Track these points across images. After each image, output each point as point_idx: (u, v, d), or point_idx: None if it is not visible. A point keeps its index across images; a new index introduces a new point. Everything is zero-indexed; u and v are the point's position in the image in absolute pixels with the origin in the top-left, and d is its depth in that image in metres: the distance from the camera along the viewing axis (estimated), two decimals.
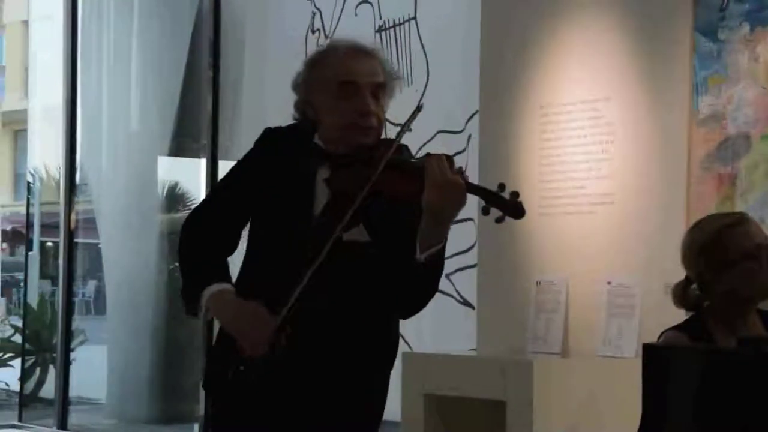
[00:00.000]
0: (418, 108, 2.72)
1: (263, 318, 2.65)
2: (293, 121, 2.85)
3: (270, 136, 2.83)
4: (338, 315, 2.70)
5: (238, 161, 2.86)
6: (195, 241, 2.79)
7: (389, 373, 2.86)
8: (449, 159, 2.63)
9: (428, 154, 2.66)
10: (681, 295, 3.08)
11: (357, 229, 2.67)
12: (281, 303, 2.64)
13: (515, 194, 2.62)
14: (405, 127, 2.71)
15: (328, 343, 2.71)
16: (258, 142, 2.84)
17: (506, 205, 2.62)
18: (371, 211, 2.67)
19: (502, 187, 2.63)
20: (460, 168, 2.64)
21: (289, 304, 2.63)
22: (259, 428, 2.74)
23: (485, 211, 2.64)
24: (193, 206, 8.23)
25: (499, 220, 2.65)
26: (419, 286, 2.68)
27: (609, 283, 4.31)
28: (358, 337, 2.73)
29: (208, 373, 2.88)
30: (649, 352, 2.58)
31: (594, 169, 4.42)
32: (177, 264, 2.82)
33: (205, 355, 2.93)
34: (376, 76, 2.75)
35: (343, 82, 2.73)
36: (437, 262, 2.64)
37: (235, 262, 2.83)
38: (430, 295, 2.73)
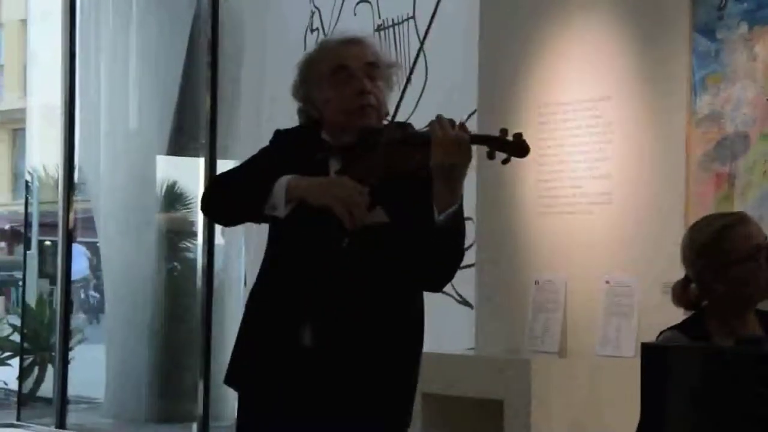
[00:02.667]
0: (408, 80, 2.77)
1: (356, 185, 2.64)
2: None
3: (281, 136, 2.86)
4: (369, 297, 2.70)
5: (260, 150, 2.84)
6: (236, 182, 2.75)
7: (419, 353, 2.84)
8: (451, 120, 2.65)
9: (432, 121, 2.68)
10: (680, 294, 3.08)
11: (376, 211, 2.69)
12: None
13: (518, 134, 2.63)
14: (400, 103, 2.75)
15: (359, 326, 2.70)
16: (271, 142, 2.86)
17: (509, 145, 2.63)
18: (389, 191, 2.68)
19: (504, 132, 2.62)
20: (462, 123, 2.66)
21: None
22: (288, 417, 2.73)
23: (490, 156, 2.64)
24: (191, 205, 8.24)
25: (505, 162, 2.66)
26: (443, 250, 2.68)
27: (607, 282, 4.31)
28: (389, 319, 2.73)
29: (233, 367, 2.84)
30: (647, 351, 2.58)
31: (592, 169, 4.42)
32: (217, 211, 2.76)
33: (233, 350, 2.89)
34: (366, 57, 2.79)
35: (335, 69, 2.78)
36: (457, 223, 2.66)
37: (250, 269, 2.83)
38: (458, 260, 2.73)
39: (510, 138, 2.64)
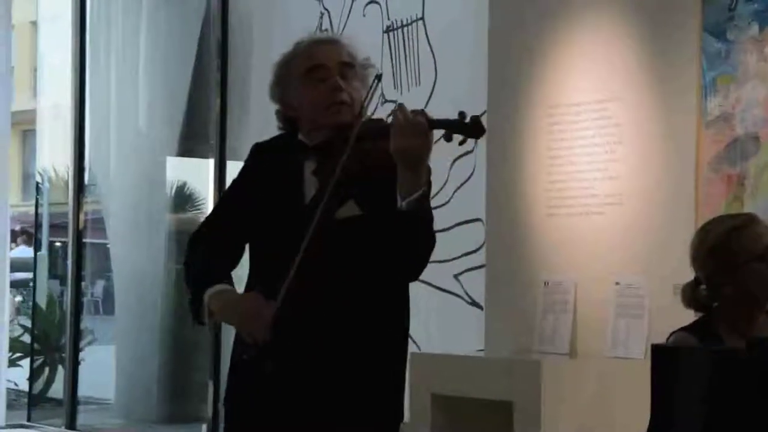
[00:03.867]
0: (378, 78, 2.77)
1: (260, 304, 2.68)
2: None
3: (257, 149, 2.91)
4: (343, 290, 2.71)
5: (234, 178, 2.94)
6: (197, 258, 2.86)
7: (404, 351, 2.84)
8: (415, 110, 2.67)
9: (393, 109, 2.71)
10: (690, 296, 3.08)
11: (348, 205, 2.71)
12: (278, 288, 2.66)
13: (474, 117, 2.64)
14: (368, 97, 2.75)
15: (334, 320, 2.72)
16: (248, 158, 2.92)
17: (464, 127, 2.64)
18: (359, 185, 2.69)
19: (462, 114, 2.64)
20: (422, 110, 2.67)
21: (285, 284, 2.65)
22: (274, 421, 2.74)
23: (447, 138, 2.66)
24: (200, 206, 8.25)
25: (461, 143, 2.67)
26: (409, 236, 2.67)
27: (617, 283, 4.31)
28: (365, 313, 2.73)
29: (230, 385, 2.87)
30: (658, 353, 2.58)
31: (602, 170, 4.41)
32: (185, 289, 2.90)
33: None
34: (340, 56, 2.82)
35: (309, 68, 2.81)
36: (422, 209, 2.65)
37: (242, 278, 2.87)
38: (426, 248, 2.72)
39: (467, 120, 2.64)
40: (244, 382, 2.79)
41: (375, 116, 2.83)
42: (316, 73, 2.80)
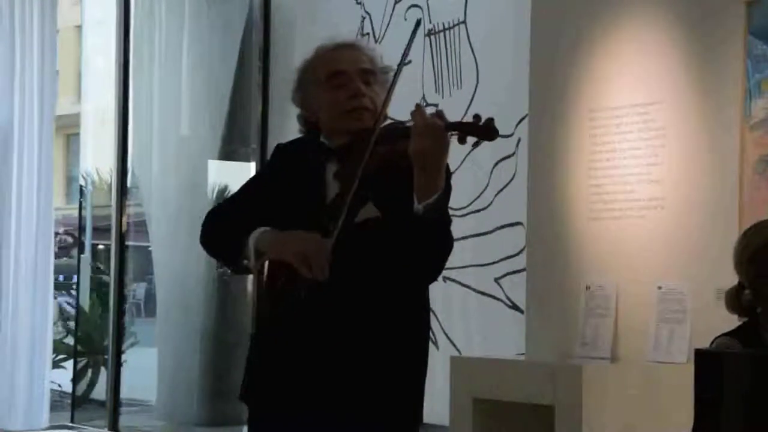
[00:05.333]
0: (404, 60, 2.76)
1: (318, 239, 2.65)
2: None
3: (280, 150, 2.93)
4: (360, 291, 2.71)
5: (254, 175, 2.99)
6: (223, 223, 2.83)
7: (423, 351, 2.83)
8: (436, 112, 2.67)
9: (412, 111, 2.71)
10: (733, 300, 3.05)
11: (366, 207, 2.71)
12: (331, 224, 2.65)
13: (489, 119, 2.63)
14: (388, 99, 2.73)
15: (351, 319, 2.71)
16: (271, 158, 2.94)
17: (477, 129, 2.63)
18: (379, 187, 2.69)
19: (477, 117, 2.63)
20: (440, 111, 2.67)
21: (339, 223, 2.63)
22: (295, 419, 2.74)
23: (461, 140, 2.65)
24: None
25: (475, 145, 2.65)
26: (425, 240, 2.65)
27: (659, 287, 4.28)
28: (382, 314, 2.72)
29: (246, 384, 2.87)
30: (701, 357, 2.56)
31: (644, 174, 4.39)
32: (209, 250, 2.86)
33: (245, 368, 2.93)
34: (361, 63, 2.83)
35: (331, 74, 2.82)
36: (440, 213, 2.64)
37: None
38: (442, 252, 2.70)
39: (481, 123, 2.63)
40: (267, 377, 2.78)
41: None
42: (337, 78, 2.81)
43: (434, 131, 2.61)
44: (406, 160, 2.63)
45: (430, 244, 2.67)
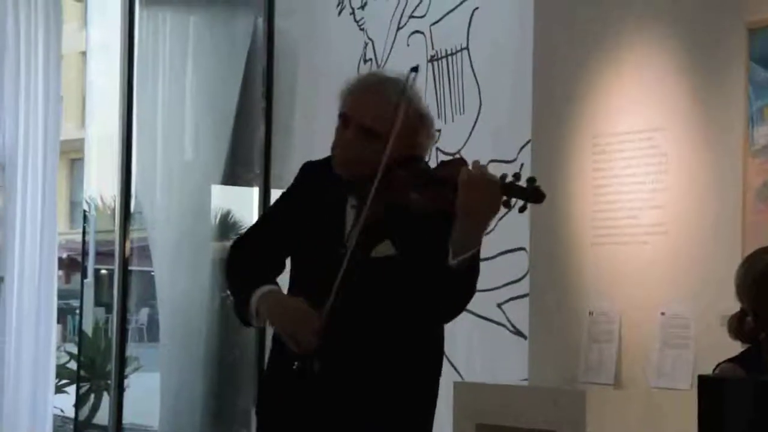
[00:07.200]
0: (415, 69, 2.74)
1: (309, 310, 2.68)
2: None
3: (307, 170, 2.94)
4: (375, 329, 2.72)
5: (282, 193, 2.97)
6: (243, 260, 2.87)
7: (434, 388, 2.84)
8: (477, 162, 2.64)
9: (446, 162, 2.66)
10: (736, 327, 3.05)
11: (383, 244, 2.70)
12: (322, 301, 2.66)
13: (532, 179, 2.58)
14: (407, 87, 2.70)
15: (365, 358, 2.72)
16: (297, 176, 2.95)
17: (525, 192, 2.58)
18: (397, 225, 2.68)
19: (517, 176, 2.58)
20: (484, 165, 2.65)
21: (332, 298, 2.64)
22: None
23: (506, 204, 2.60)
24: None
25: (522, 210, 2.61)
26: (454, 291, 2.66)
27: (663, 313, 4.28)
28: (397, 350, 2.74)
29: (261, 397, 2.90)
30: (704, 384, 2.56)
31: (647, 200, 4.39)
32: (227, 288, 2.93)
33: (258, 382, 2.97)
34: (364, 117, 2.77)
35: (340, 114, 2.84)
36: (473, 267, 2.62)
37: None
38: (468, 299, 2.72)
39: (523, 184, 2.59)
40: (279, 394, 2.79)
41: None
42: (343, 120, 2.83)
43: (493, 188, 2.56)
44: (448, 208, 2.58)
45: (458, 293, 2.67)
